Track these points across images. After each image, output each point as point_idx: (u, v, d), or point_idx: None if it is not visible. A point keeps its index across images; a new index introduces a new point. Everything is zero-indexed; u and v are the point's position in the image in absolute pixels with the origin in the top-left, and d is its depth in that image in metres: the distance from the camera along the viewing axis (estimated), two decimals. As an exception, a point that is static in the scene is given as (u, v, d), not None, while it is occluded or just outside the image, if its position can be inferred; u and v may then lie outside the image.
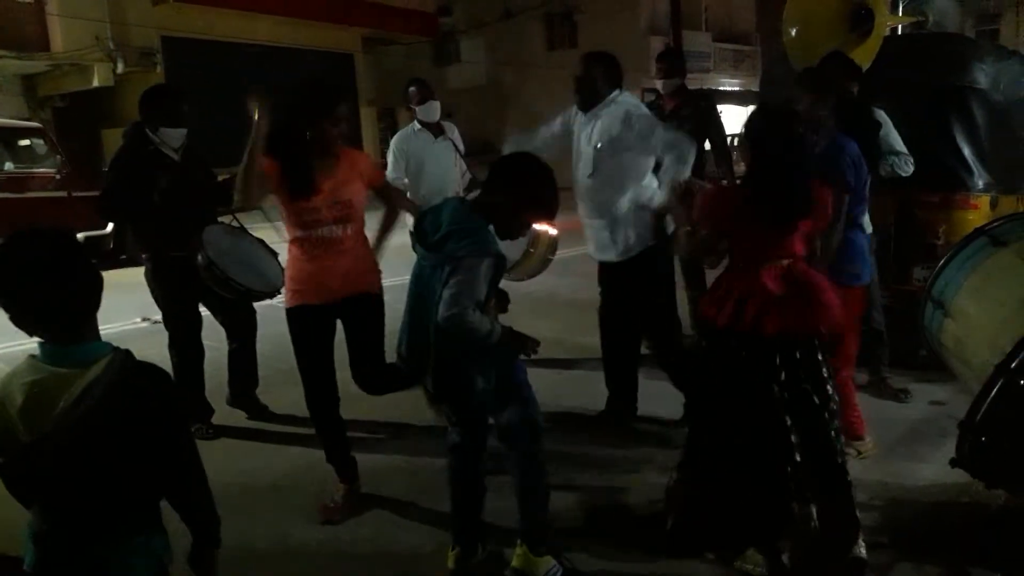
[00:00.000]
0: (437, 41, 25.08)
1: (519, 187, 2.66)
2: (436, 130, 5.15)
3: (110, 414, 1.57)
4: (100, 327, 1.69)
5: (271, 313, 4.70)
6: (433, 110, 5.12)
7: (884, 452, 3.76)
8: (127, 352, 1.67)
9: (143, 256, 4.24)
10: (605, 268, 4.15)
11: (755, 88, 8.54)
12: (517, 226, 2.74)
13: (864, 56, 4.67)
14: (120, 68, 16.34)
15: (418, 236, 2.70)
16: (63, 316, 1.61)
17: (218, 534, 1.84)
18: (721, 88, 24.71)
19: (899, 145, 4.18)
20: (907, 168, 4.18)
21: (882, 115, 4.19)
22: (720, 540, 2.88)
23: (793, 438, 2.68)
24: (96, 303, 1.67)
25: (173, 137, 4.12)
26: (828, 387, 2.75)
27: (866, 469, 3.55)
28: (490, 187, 2.68)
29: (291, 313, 3.35)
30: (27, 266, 1.58)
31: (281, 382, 4.99)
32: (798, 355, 2.71)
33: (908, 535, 3.04)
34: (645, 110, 4.11)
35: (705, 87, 22.45)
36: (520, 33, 25.11)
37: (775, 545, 2.77)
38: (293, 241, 3.29)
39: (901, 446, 3.84)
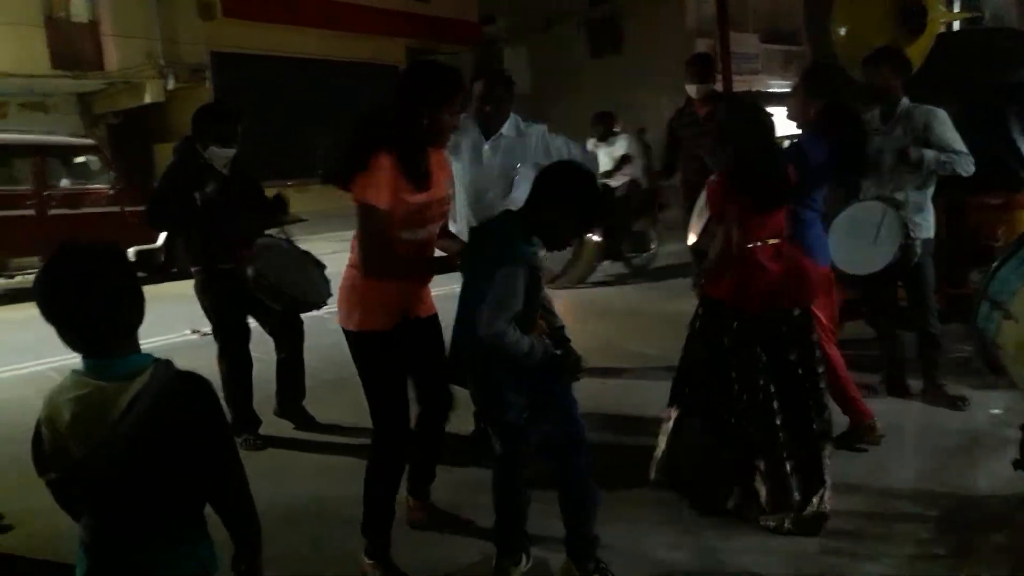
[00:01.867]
0: (480, 50, 25.21)
1: (564, 198, 2.61)
2: None
3: (156, 424, 1.59)
4: (151, 339, 1.70)
5: (318, 325, 4.75)
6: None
7: (940, 461, 3.64)
8: (168, 362, 1.69)
9: (193, 269, 4.30)
10: None
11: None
12: (564, 238, 2.70)
13: (917, 54, 4.56)
14: (171, 84, 16.76)
15: (469, 247, 2.74)
16: (106, 329, 1.62)
17: (259, 541, 1.84)
18: (770, 90, 24.38)
19: (958, 144, 4.01)
20: (967, 167, 4.00)
21: (941, 113, 4.06)
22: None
23: (775, 403, 3.11)
24: (139, 317, 1.68)
25: (222, 157, 4.19)
26: (816, 354, 3.18)
27: (922, 479, 3.45)
28: (535, 199, 2.64)
29: (376, 337, 2.84)
30: (71, 280, 1.60)
31: (328, 393, 5.04)
32: (784, 328, 3.16)
33: (966, 547, 2.93)
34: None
35: (753, 89, 22.18)
36: (563, 41, 25.09)
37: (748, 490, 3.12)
38: (386, 248, 2.81)
39: (958, 455, 3.71)
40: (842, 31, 5.49)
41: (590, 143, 8.35)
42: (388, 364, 2.89)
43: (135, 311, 1.67)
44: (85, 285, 1.60)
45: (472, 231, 2.79)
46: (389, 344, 2.84)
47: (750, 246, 3.17)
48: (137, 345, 1.70)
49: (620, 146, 8.89)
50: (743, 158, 3.20)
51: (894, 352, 4.45)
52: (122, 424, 1.57)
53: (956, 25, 6.67)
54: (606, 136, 8.98)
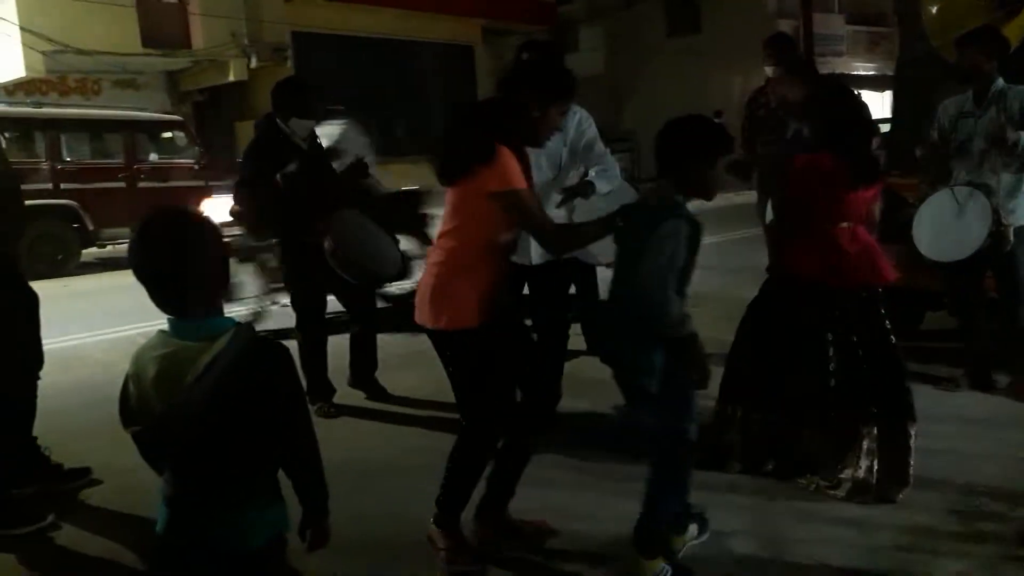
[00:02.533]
0: (556, 30, 25.03)
1: (702, 147, 2.59)
2: None
3: (233, 385, 1.64)
4: (235, 306, 1.76)
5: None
6: None
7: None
8: (249, 326, 1.74)
9: (273, 240, 4.41)
10: None
11: (891, 72, 8.11)
12: (712, 182, 2.64)
13: (1013, 35, 4.36)
14: (253, 63, 17.11)
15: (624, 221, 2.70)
16: (192, 289, 1.68)
17: (327, 506, 1.88)
18: (855, 73, 23.58)
19: None
20: None
21: None
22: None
23: (832, 380, 3.27)
24: (223, 282, 1.75)
25: (303, 127, 4.28)
26: (889, 331, 3.26)
27: (1007, 476, 3.31)
28: (673, 159, 2.60)
29: (471, 334, 2.73)
30: (162, 240, 1.67)
31: (398, 366, 5.13)
32: (857, 304, 3.26)
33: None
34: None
35: (838, 72, 21.48)
36: (640, 19, 24.69)
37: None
38: (487, 246, 2.74)
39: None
40: (933, 10, 5.28)
41: None
42: (487, 359, 2.78)
43: (218, 275, 1.73)
44: (174, 245, 1.66)
45: (622, 209, 2.74)
46: (486, 338, 2.74)
47: (836, 227, 3.25)
48: (221, 308, 1.75)
49: None
50: (844, 136, 3.25)
51: (978, 344, 4.29)
52: (199, 384, 1.62)
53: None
54: None
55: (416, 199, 4.67)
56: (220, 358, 1.64)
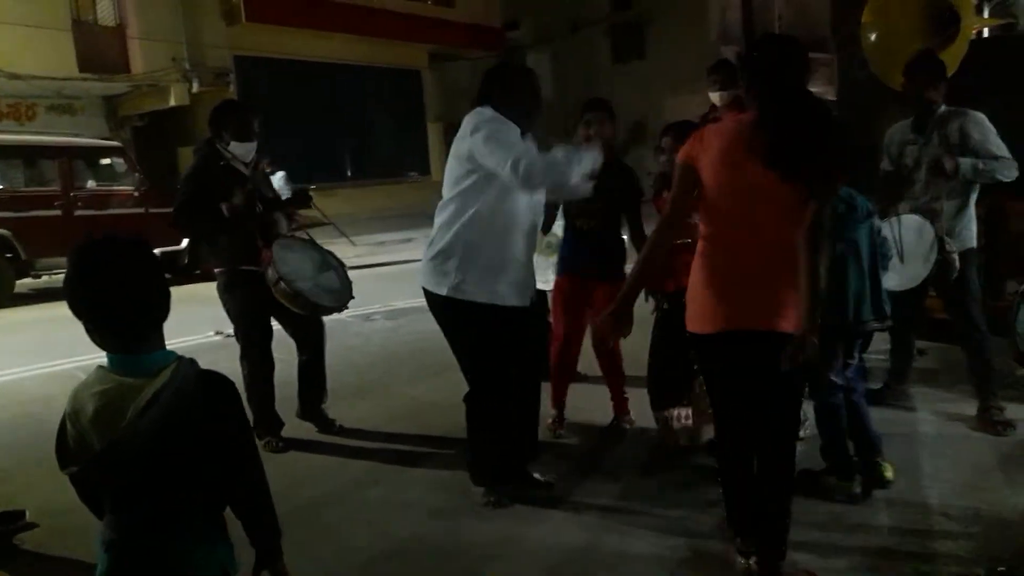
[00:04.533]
0: (503, 56, 25.23)
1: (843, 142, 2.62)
2: None
3: (175, 421, 1.57)
4: (175, 340, 1.69)
5: (339, 327, 4.73)
6: None
7: (978, 476, 3.55)
8: (192, 361, 1.67)
9: (216, 270, 4.29)
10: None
11: (832, 96, 8.30)
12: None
13: (950, 60, 4.47)
14: (195, 88, 16.87)
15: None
16: (131, 323, 1.61)
17: (279, 546, 1.81)
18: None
19: (999, 149, 3.88)
20: (1009, 173, 3.87)
21: (978, 117, 3.95)
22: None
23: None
24: (164, 313, 1.67)
25: (244, 151, 4.17)
26: None
27: (959, 495, 3.35)
28: (842, 158, 2.61)
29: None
30: (98, 272, 1.60)
31: (349, 395, 5.02)
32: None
33: (1004, 566, 2.83)
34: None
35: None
36: (587, 46, 25.08)
37: None
38: None
39: (996, 471, 3.62)
40: (873, 37, 5.41)
41: None
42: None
43: (160, 306, 1.65)
44: (111, 277, 1.59)
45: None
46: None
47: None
48: (162, 342, 1.68)
49: None
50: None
51: (901, 362, 4.46)
52: (141, 420, 1.55)
53: (987, 32, 6.58)
54: None
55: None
56: (162, 393, 1.57)
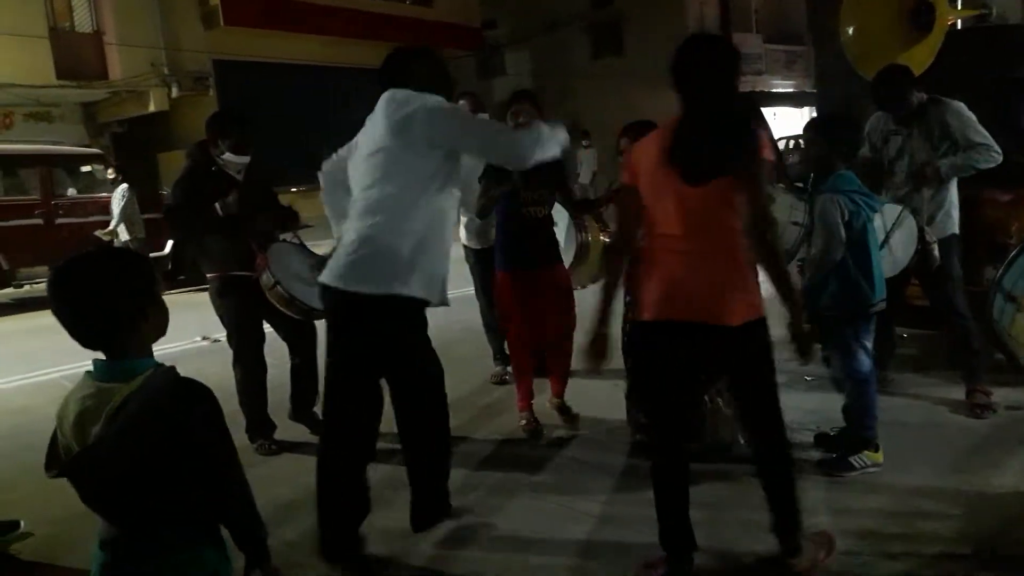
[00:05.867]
0: (482, 55, 25.23)
1: None
2: None
3: (143, 428, 1.58)
4: (161, 346, 1.70)
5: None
6: None
7: (960, 459, 3.62)
8: (170, 368, 1.67)
9: (208, 275, 4.30)
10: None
11: (809, 89, 8.39)
12: None
13: (927, 52, 4.55)
14: (175, 93, 16.80)
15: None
16: (101, 332, 1.64)
17: (266, 550, 1.81)
18: (774, 90, 24.39)
19: (978, 136, 3.95)
20: (992, 159, 3.94)
21: (956, 106, 4.02)
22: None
23: None
24: (137, 321, 1.67)
25: (237, 163, 4.19)
26: None
27: (943, 476, 3.42)
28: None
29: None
30: (71, 280, 1.63)
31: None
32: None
33: (987, 546, 2.90)
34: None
35: (757, 89, 22.16)
36: (565, 43, 25.10)
37: None
38: None
39: (978, 453, 3.69)
40: (850, 30, 5.47)
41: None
42: None
43: (132, 314, 1.65)
44: (80, 286, 1.63)
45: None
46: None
47: None
48: (143, 349, 1.69)
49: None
50: None
51: (886, 350, 4.50)
52: (109, 424, 1.56)
53: (960, 23, 6.66)
54: None
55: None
56: (131, 399, 1.58)
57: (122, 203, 10.05)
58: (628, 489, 3.52)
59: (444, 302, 3.06)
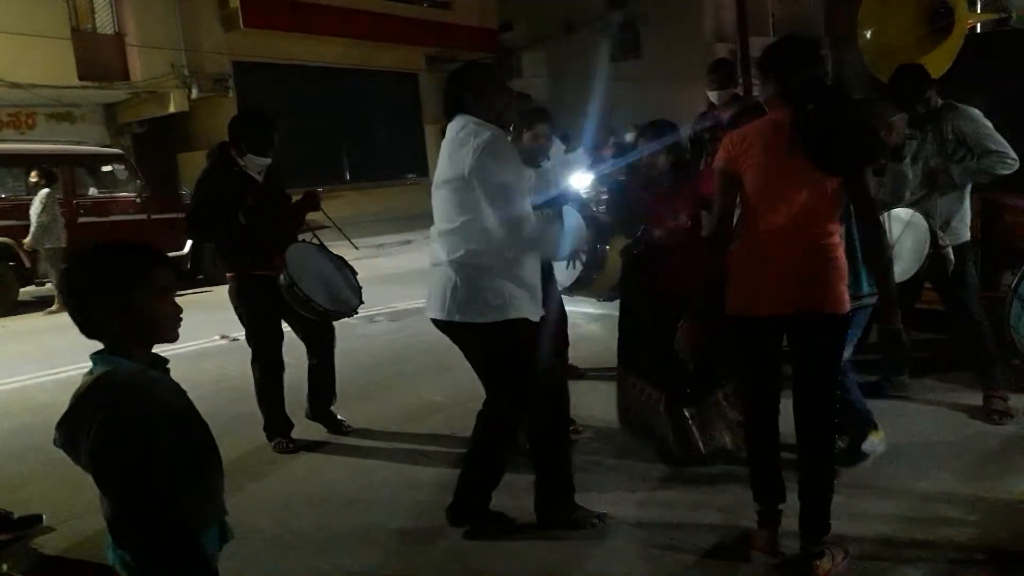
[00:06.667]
0: (499, 57, 25.27)
1: None
2: None
3: (68, 419, 1.64)
4: (180, 345, 1.73)
5: (343, 329, 4.78)
6: None
7: (978, 465, 3.60)
8: (136, 371, 1.67)
9: (228, 275, 4.34)
10: None
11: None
12: None
13: (946, 56, 4.53)
14: (194, 94, 16.91)
15: None
16: (79, 326, 1.71)
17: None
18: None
19: (993, 143, 3.92)
20: (1007, 166, 3.91)
21: (971, 112, 4.00)
22: None
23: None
24: (108, 318, 1.69)
25: (258, 164, 4.23)
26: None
27: (961, 483, 3.40)
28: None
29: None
30: (69, 274, 1.74)
31: (357, 397, 5.08)
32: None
33: (1005, 552, 2.89)
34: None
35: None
36: (581, 46, 25.10)
37: None
38: None
39: (995, 459, 3.67)
40: (868, 34, 5.46)
41: None
42: None
43: (93, 315, 1.68)
44: (69, 282, 1.72)
45: None
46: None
47: None
48: (118, 347, 1.71)
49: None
50: None
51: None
52: (70, 411, 1.64)
53: (980, 27, 6.63)
54: None
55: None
56: (72, 397, 1.65)
57: (40, 210, 9.44)
58: (629, 489, 3.54)
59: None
